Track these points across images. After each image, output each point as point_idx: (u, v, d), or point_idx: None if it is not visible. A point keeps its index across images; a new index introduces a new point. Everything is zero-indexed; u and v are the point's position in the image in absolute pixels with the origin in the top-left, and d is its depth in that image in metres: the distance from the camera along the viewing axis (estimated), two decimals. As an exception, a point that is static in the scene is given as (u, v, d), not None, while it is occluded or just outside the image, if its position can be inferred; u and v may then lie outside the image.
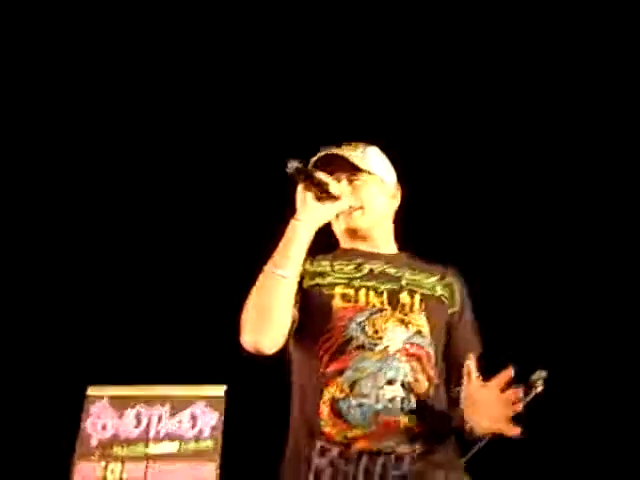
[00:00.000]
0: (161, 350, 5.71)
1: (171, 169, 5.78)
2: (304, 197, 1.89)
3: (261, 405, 5.21)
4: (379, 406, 1.72)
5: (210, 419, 5.94)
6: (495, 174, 5.55)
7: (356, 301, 1.88)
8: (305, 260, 1.93)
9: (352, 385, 1.75)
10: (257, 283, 1.84)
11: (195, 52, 5.44)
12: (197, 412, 5.97)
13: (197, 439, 5.89)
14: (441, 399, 1.84)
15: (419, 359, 1.81)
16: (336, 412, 1.74)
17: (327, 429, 1.74)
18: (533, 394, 3.34)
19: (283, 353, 1.90)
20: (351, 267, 1.95)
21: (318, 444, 1.74)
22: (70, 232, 5.82)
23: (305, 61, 5.43)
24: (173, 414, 5.98)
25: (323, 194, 1.90)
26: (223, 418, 5.93)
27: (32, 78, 5.48)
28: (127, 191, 5.88)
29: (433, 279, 1.98)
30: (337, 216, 2.01)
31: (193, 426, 5.93)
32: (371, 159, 2.08)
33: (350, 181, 2.03)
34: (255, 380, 5.38)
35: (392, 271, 1.97)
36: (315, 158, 2.03)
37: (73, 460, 5.69)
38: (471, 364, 1.68)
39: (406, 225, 2.18)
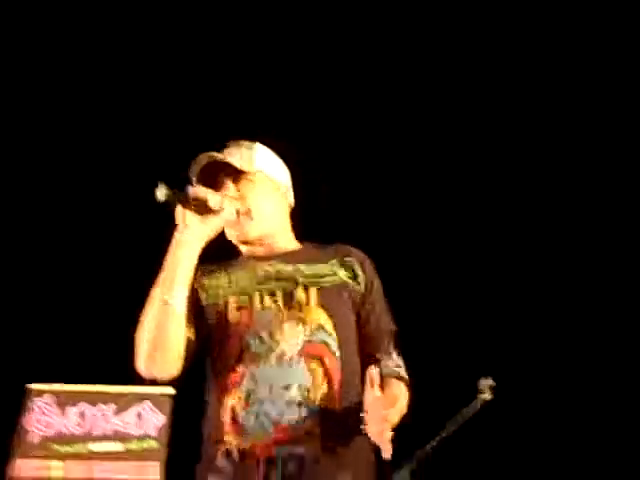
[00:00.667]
0: (108, 351, 5.64)
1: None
2: (183, 216, 1.84)
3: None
4: (275, 413, 1.74)
5: (156, 419, 5.85)
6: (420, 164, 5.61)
7: (251, 308, 1.86)
8: (201, 274, 1.91)
9: (248, 394, 1.74)
10: (146, 310, 1.81)
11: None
12: (142, 411, 5.87)
13: (142, 438, 5.80)
14: (349, 397, 1.84)
15: (320, 358, 1.81)
16: (235, 422, 1.75)
17: (228, 438, 1.74)
18: (480, 403, 3.36)
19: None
20: (244, 273, 1.93)
21: (222, 448, 1.74)
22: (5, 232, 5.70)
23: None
24: (118, 412, 5.88)
25: (202, 210, 1.86)
26: (169, 418, 5.85)
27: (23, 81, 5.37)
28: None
29: (331, 264, 1.95)
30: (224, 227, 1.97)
31: (138, 425, 5.84)
32: (256, 157, 2.06)
33: (236, 184, 2.00)
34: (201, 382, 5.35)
35: (288, 269, 1.96)
36: (197, 166, 2.00)
37: (12, 457, 5.56)
38: (373, 373, 1.67)
39: (310, 215, 2.16)
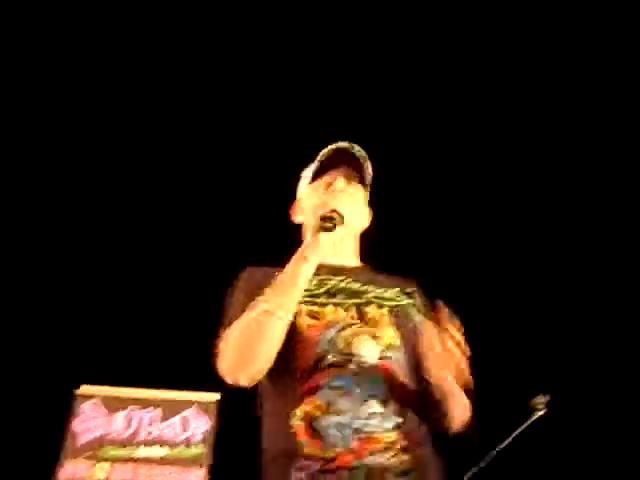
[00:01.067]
0: (157, 355, 5.68)
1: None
2: (317, 238, 1.81)
3: (253, 415, 5.16)
4: (357, 424, 1.67)
5: (202, 425, 5.87)
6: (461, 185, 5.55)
7: (324, 318, 1.82)
8: (267, 276, 1.89)
9: (329, 403, 1.69)
10: (251, 319, 1.76)
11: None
12: (189, 417, 5.90)
13: (187, 444, 5.82)
14: (415, 416, 1.78)
15: (394, 373, 1.77)
16: (313, 431, 1.68)
17: (306, 449, 1.67)
18: (534, 417, 3.29)
19: None
20: (314, 283, 1.88)
21: (296, 464, 1.67)
22: (65, 230, 5.77)
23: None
24: (165, 418, 5.91)
25: (332, 227, 1.83)
26: (215, 424, 5.86)
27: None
28: (126, 192, 5.85)
29: (396, 290, 1.93)
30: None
31: (184, 431, 5.86)
32: (368, 168, 2.04)
33: (346, 184, 2.00)
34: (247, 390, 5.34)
35: (356, 286, 1.91)
36: (326, 151, 1.99)
37: (60, 459, 5.63)
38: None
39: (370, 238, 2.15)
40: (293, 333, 1.78)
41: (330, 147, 2.02)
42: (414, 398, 1.78)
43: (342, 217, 1.83)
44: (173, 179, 5.75)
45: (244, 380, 1.78)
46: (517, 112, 5.43)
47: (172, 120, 5.61)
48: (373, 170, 2.05)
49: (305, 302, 1.83)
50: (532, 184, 5.60)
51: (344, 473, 1.62)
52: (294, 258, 1.81)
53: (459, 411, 1.80)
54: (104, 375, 5.78)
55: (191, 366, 5.61)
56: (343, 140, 2.04)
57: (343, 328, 1.79)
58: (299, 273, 1.77)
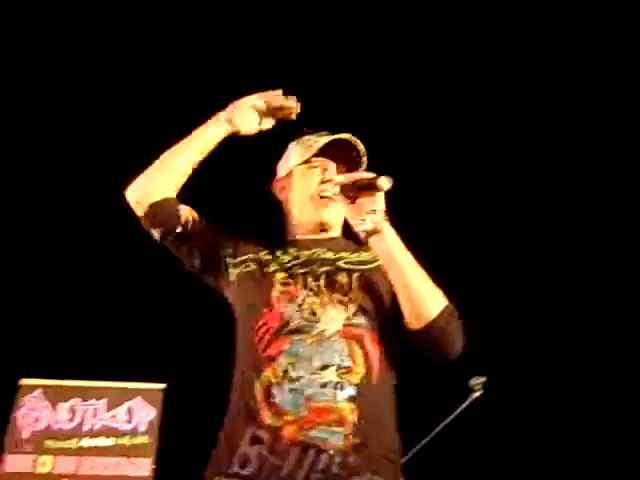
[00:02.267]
0: (100, 347, 5.63)
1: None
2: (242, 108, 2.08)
3: (199, 404, 5.18)
4: (310, 391, 1.69)
5: (147, 414, 5.84)
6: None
7: (295, 286, 1.87)
8: (258, 245, 1.95)
9: (286, 369, 1.72)
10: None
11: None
12: (134, 407, 5.86)
13: (133, 434, 5.79)
14: (386, 388, 1.80)
15: (360, 340, 1.78)
16: (269, 396, 1.71)
17: (261, 414, 1.70)
18: (472, 399, 3.41)
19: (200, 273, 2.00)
20: (290, 255, 1.95)
21: (249, 431, 1.70)
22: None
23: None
24: (109, 408, 5.86)
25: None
26: (160, 414, 5.84)
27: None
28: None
29: (369, 253, 1.94)
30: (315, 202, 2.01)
31: (129, 421, 5.83)
32: (364, 164, 2.07)
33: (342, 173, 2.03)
34: (194, 380, 5.36)
35: (330, 255, 1.95)
36: (326, 140, 2.03)
37: (3, 452, 5.54)
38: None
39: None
40: (266, 299, 1.84)
41: (332, 136, 2.05)
42: (382, 360, 1.78)
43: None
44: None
45: (132, 196, 1.98)
46: (503, 107, 5.50)
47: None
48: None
49: (279, 271, 1.89)
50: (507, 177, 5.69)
51: (293, 453, 1.65)
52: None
53: (421, 303, 1.78)
54: (47, 368, 5.71)
55: (135, 357, 5.61)
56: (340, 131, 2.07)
57: (310, 296, 1.83)
58: (207, 128, 2.04)
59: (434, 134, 5.58)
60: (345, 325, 1.79)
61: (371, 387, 1.74)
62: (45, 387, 5.84)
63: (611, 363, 5.48)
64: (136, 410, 5.85)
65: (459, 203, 5.66)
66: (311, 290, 1.85)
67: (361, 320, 1.81)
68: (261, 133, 2.10)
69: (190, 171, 2.02)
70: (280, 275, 1.89)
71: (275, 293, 1.85)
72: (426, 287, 1.79)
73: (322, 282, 1.87)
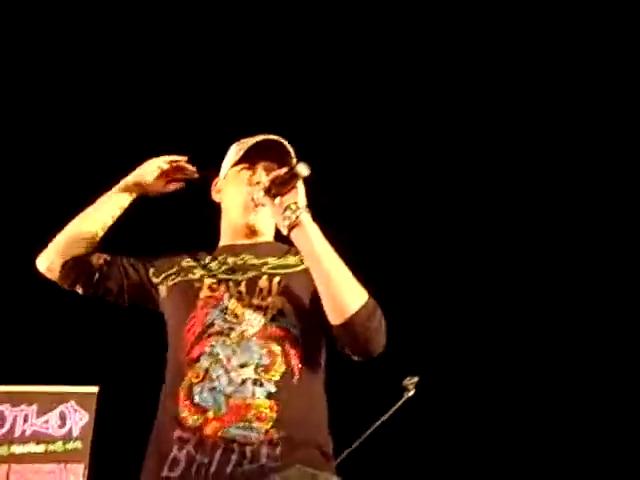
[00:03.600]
0: (30, 351, 5.51)
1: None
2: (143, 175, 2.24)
3: (132, 408, 5.12)
4: (229, 389, 1.72)
5: (80, 419, 5.75)
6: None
7: (219, 293, 1.91)
8: (183, 256, 1.98)
9: (206, 370, 1.76)
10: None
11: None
12: (66, 411, 5.76)
13: (65, 439, 5.69)
14: (309, 385, 1.82)
15: (280, 340, 1.81)
16: (190, 397, 1.75)
17: (183, 414, 1.73)
18: (405, 398, 3.47)
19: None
20: (217, 262, 1.99)
21: (175, 434, 1.73)
22: None
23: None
24: (40, 413, 5.74)
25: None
26: (94, 418, 5.75)
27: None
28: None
29: (297, 256, 1.98)
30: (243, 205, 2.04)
31: (61, 426, 5.72)
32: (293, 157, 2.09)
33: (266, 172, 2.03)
34: (127, 383, 5.29)
35: (255, 261, 2.00)
36: (253, 141, 2.07)
37: None
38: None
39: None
40: (191, 304, 1.88)
41: (258, 137, 2.08)
42: (304, 359, 1.82)
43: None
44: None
45: (43, 264, 2.10)
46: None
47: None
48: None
49: (206, 277, 1.95)
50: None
51: (218, 450, 1.67)
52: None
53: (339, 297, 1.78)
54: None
55: (66, 360, 5.50)
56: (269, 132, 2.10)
57: (232, 300, 1.87)
58: (115, 193, 2.18)
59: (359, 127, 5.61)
60: (264, 326, 1.83)
61: (292, 385, 1.77)
62: (-28, 393, 5.70)
63: (545, 361, 5.62)
64: (69, 415, 5.75)
65: (393, 202, 5.72)
66: (232, 296, 1.88)
67: (280, 323, 1.85)
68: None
69: (101, 234, 2.14)
70: (207, 281, 1.93)
71: (201, 298, 1.90)
72: (346, 282, 1.79)
73: (243, 288, 1.91)
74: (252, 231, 2.07)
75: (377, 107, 5.55)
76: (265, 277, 1.93)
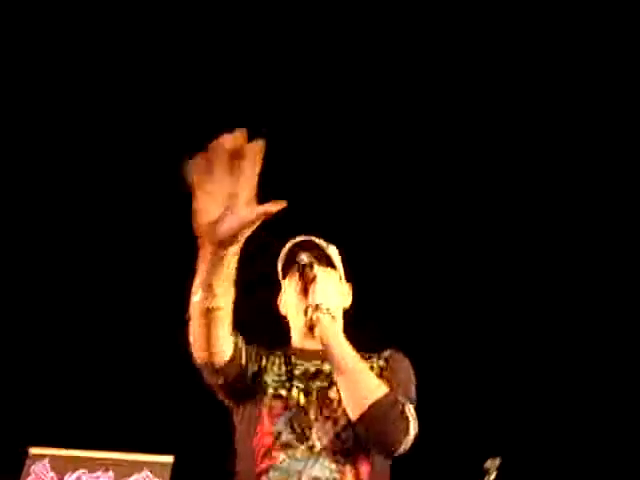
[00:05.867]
0: (108, 417, 5.58)
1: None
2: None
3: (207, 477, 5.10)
4: None
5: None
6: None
7: (287, 399, 1.89)
8: (263, 355, 1.97)
9: None
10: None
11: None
12: (140, 480, 5.79)
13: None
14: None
15: (348, 454, 1.80)
16: None
17: None
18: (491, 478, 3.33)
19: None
20: (287, 368, 1.97)
21: None
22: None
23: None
24: (119, 480, 5.80)
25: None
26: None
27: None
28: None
29: (372, 360, 1.95)
30: (299, 312, 1.99)
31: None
32: (334, 253, 2.10)
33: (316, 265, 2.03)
34: (202, 452, 5.28)
35: (327, 368, 1.96)
36: (290, 245, 2.06)
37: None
38: None
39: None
40: (260, 411, 1.86)
41: (291, 242, 2.07)
42: (372, 473, 1.80)
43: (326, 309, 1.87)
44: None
45: (208, 361, 1.79)
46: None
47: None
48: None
49: (273, 385, 1.92)
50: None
51: None
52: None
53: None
54: (56, 436, 5.67)
55: (144, 427, 5.55)
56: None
57: (302, 410, 1.85)
58: (208, 255, 1.60)
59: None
60: (333, 440, 1.81)
61: None
62: (53, 457, 5.79)
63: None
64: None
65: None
66: (302, 404, 1.87)
67: (349, 434, 1.82)
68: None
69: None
70: (272, 388, 1.91)
71: (265, 407, 1.87)
72: (363, 378, 1.81)
73: (314, 397, 1.89)
74: (311, 327, 2.04)
75: (374, 111, 5.49)
76: (335, 387, 1.89)
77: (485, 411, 5.16)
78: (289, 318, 2.12)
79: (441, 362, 4.97)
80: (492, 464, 3.24)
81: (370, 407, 1.75)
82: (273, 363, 2.00)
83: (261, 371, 1.96)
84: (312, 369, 1.98)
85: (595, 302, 5.57)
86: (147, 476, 5.78)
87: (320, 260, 2.03)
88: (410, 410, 1.81)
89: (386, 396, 1.78)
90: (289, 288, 2.08)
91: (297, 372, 1.97)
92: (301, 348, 2.04)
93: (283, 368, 1.97)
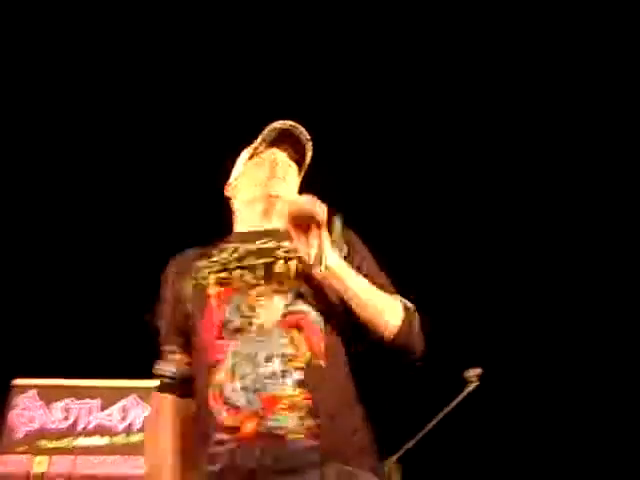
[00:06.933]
0: (92, 344, 5.60)
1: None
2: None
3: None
4: (259, 384, 1.69)
5: (142, 412, 5.82)
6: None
7: (231, 283, 1.86)
8: (185, 261, 1.97)
9: (233, 370, 1.72)
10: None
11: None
12: (128, 405, 5.85)
13: (128, 432, 5.78)
14: (336, 368, 1.79)
15: (300, 327, 1.77)
16: (223, 398, 1.71)
17: (219, 416, 1.70)
18: (468, 390, 3.39)
19: None
20: (228, 252, 1.93)
21: (213, 437, 1.70)
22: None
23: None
24: (103, 407, 5.84)
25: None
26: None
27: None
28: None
29: None
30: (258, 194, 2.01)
31: (124, 419, 5.81)
32: (309, 150, 2.08)
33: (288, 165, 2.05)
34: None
35: (270, 245, 1.93)
36: (272, 129, 2.04)
37: (-1, 450, 5.53)
38: None
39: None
40: (204, 304, 1.83)
41: (275, 125, 2.05)
42: (327, 344, 1.78)
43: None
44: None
45: None
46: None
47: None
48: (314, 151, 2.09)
49: (215, 271, 1.88)
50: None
51: (257, 451, 1.65)
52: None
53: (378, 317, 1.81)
54: (40, 366, 5.68)
55: (128, 354, 5.58)
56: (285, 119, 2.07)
57: (248, 290, 1.82)
58: None
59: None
60: (283, 315, 1.78)
61: (319, 370, 1.74)
62: (38, 387, 5.82)
63: (606, 352, 5.47)
64: (131, 408, 5.83)
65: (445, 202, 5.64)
66: (248, 284, 1.83)
67: (300, 307, 1.80)
68: None
69: None
70: (214, 277, 1.88)
71: (212, 297, 1.85)
72: (382, 304, 1.83)
73: (259, 273, 1.86)
74: (267, 218, 2.02)
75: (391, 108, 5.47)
76: (282, 260, 1.87)
77: (467, 322, 5.23)
78: (241, 199, 2.09)
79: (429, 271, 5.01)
80: (473, 374, 3.28)
81: (398, 333, 1.80)
82: (208, 255, 1.95)
83: (197, 273, 1.91)
84: (253, 247, 1.93)
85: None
86: (134, 400, 5.85)
87: (292, 157, 2.04)
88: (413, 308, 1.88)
89: (407, 315, 1.84)
90: (255, 168, 2.07)
91: (239, 253, 1.93)
92: (244, 232, 2.01)
93: (223, 254, 1.93)
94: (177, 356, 1.94)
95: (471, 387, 3.30)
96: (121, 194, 5.73)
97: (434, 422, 2.79)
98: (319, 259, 1.74)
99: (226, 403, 1.70)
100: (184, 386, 1.88)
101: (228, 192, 2.16)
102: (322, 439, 1.65)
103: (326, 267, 1.76)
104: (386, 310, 1.82)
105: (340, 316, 1.83)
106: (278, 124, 2.05)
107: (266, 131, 2.06)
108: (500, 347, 5.11)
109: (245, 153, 2.14)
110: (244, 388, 1.69)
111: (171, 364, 1.95)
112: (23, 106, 5.47)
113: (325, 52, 5.33)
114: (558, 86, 5.35)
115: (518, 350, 5.35)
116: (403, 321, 1.82)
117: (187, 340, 1.91)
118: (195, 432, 1.78)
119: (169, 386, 1.94)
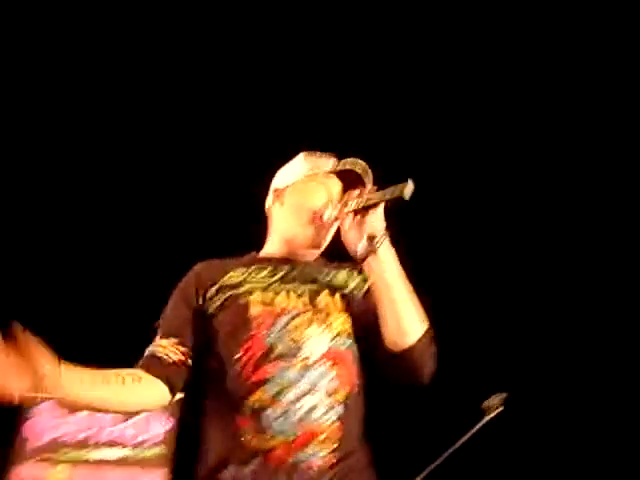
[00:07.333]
0: (113, 354, 5.58)
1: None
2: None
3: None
4: (300, 415, 1.69)
5: (162, 424, 5.81)
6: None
7: (276, 305, 1.85)
8: (210, 270, 1.93)
9: (275, 395, 1.71)
10: None
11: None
12: (149, 417, 5.83)
13: (148, 445, 5.77)
14: (360, 403, 1.83)
15: (341, 363, 1.78)
16: (258, 422, 1.70)
17: (247, 437, 1.69)
18: (490, 416, 3.30)
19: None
20: (266, 272, 1.90)
21: (238, 456, 1.70)
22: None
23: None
24: (125, 418, 5.84)
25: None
26: (176, 424, 5.80)
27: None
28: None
29: (344, 272, 1.95)
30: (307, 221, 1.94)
31: (144, 431, 5.80)
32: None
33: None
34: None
35: (310, 272, 1.92)
36: (336, 167, 2.01)
37: (13, 460, 5.53)
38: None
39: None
40: (244, 323, 1.79)
41: (343, 163, 2.00)
42: (359, 378, 1.82)
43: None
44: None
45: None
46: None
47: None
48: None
49: (257, 290, 1.84)
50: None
51: (281, 476, 1.65)
52: None
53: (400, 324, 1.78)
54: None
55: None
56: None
57: (295, 316, 1.80)
58: None
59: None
60: (329, 347, 1.78)
61: (354, 404, 1.78)
62: (59, 395, 5.83)
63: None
64: (151, 420, 5.82)
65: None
66: (294, 309, 1.81)
67: (343, 339, 1.81)
68: None
69: None
70: (259, 295, 1.84)
71: (256, 316, 1.81)
72: (413, 313, 1.80)
73: (304, 300, 1.84)
74: (313, 247, 1.98)
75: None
76: (327, 290, 1.87)
77: (489, 347, 5.15)
78: (284, 220, 2.03)
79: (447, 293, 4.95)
80: (493, 402, 3.19)
81: (418, 341, 1.78)
82: (245, 273, 1.91)
83: (230, 289, 1.87)
84: (294, 272, 1.91)
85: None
86: (155, 412, 5.82)
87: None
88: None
89: (427, 332, 1.82)
90: (306, 191, 2.00)
91: (280, 274, 1.90)
92: (279, 257, 1.98)
93: (261, 273, 1.90)
94: (182, 348, 1.91)
95: (493, 413, 3.21)
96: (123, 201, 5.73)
97: (447, 453, 2.72)
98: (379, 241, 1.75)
99: (261, 427, 1.69)
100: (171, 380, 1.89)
101: (269, 202, 2.10)
102: (343, 468, 1.69)
103: (373, 247, 1.76)
104: (413, 321, 1.78)
105: (368, 352, 1.85)
106: (356, 167, 1.97)
107: (340, 164, 2.00)
108: (524, 371, 5.01)
109: (300, 167, 2.06)
110: (283, 414, 1.68)
111: (172, 353, 1.92)
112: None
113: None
114: (558, 86, 5.26)
115: (544, 374, 5.24)
116: (424, 335, 1.80)
117: (193, 344, 1.89)
118: (216, 453, 1.76)
119: (156, 364, 1.94)
